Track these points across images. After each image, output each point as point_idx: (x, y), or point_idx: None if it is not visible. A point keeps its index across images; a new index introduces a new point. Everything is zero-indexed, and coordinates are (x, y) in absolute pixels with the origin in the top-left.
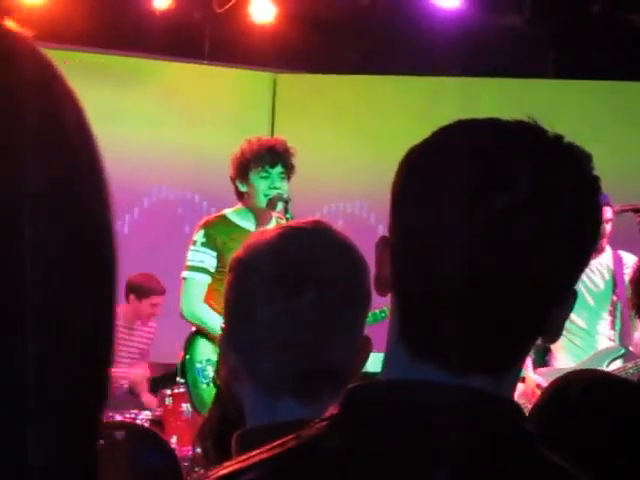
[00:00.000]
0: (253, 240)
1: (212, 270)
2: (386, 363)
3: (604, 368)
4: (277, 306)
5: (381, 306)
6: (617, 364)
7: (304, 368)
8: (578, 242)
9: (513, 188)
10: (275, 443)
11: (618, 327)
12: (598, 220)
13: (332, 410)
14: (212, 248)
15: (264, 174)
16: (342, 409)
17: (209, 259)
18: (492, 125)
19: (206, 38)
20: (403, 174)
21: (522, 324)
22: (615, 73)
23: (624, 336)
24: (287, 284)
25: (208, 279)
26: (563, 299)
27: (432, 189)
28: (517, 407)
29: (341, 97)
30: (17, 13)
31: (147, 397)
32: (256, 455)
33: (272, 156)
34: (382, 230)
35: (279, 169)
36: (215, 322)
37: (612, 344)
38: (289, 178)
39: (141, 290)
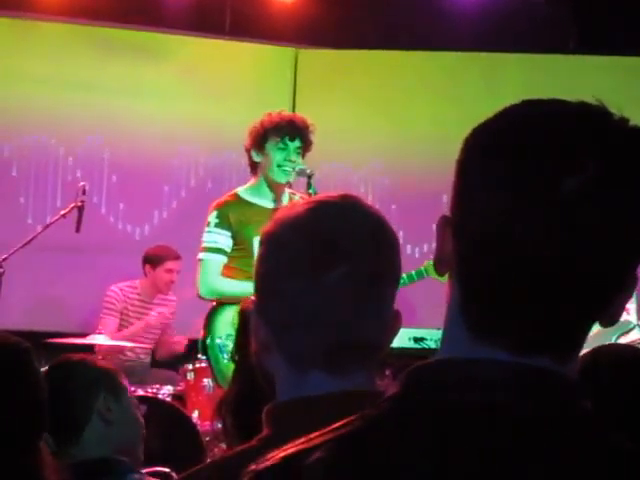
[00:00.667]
0: (283, 214)
1: (228, 250)
2: (445, 342)
3: (612, 342)
4: (307, 279)
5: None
6: (628, 338)
7: (334, 341)
8: None
9: (585, 170)
10: (338, 424)
11: (635, 301)
12: None
13: (392, 388)
14: (226, 228)
15: (282, 145)
16: (405, 389)
17: (223, 239)
18: (559, 107)
19: (227, 13)
20: (474, 154)
21: (588, 307)
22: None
23: (638, 310)
24: (317, 257)
25: (224, 259)
26: (627, 283)
27: (508, 172)
28: (582, 387)
29: (363, 73)
30: None
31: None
32: (319, 436)
33: (291, 129)
34: (402, 207)
35: (297, 143)
36: (236, 288)
37: (624, 317)
38: (304, 154)
39: (154, 259)
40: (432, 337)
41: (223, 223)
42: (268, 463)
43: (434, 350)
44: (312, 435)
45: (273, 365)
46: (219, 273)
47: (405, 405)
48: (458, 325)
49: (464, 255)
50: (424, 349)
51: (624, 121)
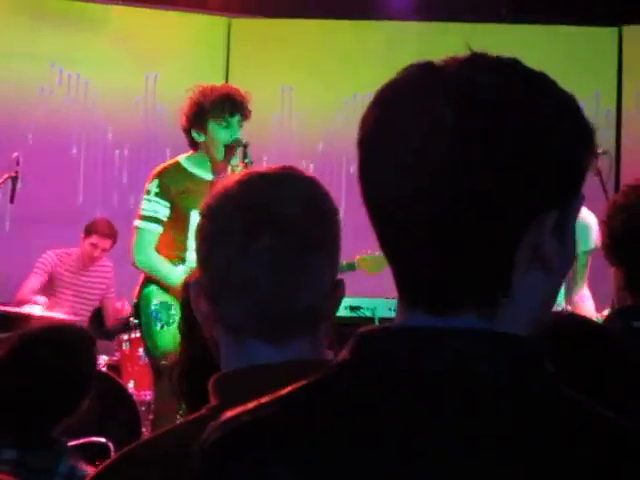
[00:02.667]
0: (219, 186)
1: (164, 220)
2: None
3: None
4: (236, 249)
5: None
6: None
7: (266, 311)
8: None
9: (470, 108)
10: (286, 390)
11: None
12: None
13: (341, 355)
14: (165, 199)
15: (224, 124)
16: (350, 355)
17: (162, 209)
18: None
19: None
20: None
21: (494, 249)
22: (568, 17)
23: (566, 294)
24: (246, 227)
25: (160, 229)
26: (537, 221)
27: (382, 134)
28: (509, 340)
29: (297, 42)
30: None
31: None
32: (269, 401)
33: (231, 105)
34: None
35: (237, 117)
36: (167, 270)
37: None
38: (242, 124)
39: (86, 229)
40: (368, 306)
41: (163, 193)
42: (207, 436)
43: (370, 318)
44: (250, 405)
45: (217, 336)
46: (154, 243)
47: (350, 370)
48: (399, 296)
49: (375, 227)
50: (360, 317)
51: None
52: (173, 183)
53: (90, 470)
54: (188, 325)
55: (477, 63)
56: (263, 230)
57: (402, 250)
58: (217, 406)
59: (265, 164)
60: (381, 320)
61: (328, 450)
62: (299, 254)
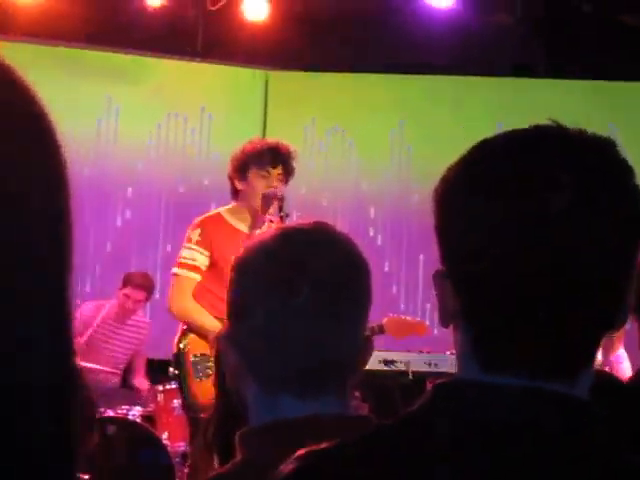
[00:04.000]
0: (253, 241)
1: (203, 269)
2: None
3: None
4: (274, 303)
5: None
6: None
7: (301, 366)
8: (634, 224)
9: (560, 188)
10: (350, 439)
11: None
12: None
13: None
14: (206, 247)
15: (264, 173)
16: (424, 404)
17: (202, 258)
18: (518, 135)
19: (199, 35)
20: (456, 195)
21: (594, 320)
22: (604, 73)
23: (603, 354)
24: (280, 284)
25: (198, 277)
26: (626, 286)
27: (493, 210)
28: (593, 407)
29: (333, 95)
30: (10, 10)
31: (139, 382)
32: (335, 444)
33: (274, 156)
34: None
35: (279, 170)
36: (203, 319)
37: None
38: (287, 181)
39: (123, 281)
40: (402, 359)
41: (204, 242)
42: (283, 469)
43: (403, 372)
44: (325, 445)
45: (245, 390)
46: (191, 291)
47: (431, 419)
48: (472, 365)
49: (470, 303)
50: (393, 371)
51: (582, 132)
52: (214, 232)
53: None
54: (223, 378)
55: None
56: (301, 285)
57: (496, 319)
58: (242, 461)
59: (296, 217)
60: (415, 374)
61: None
62: (335, 309)
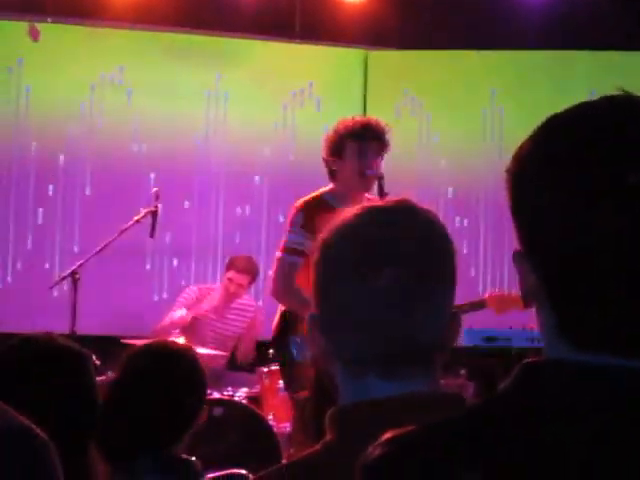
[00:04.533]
0: (335, 221)
1: (308, 252)
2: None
3: None
4: (353, 287)
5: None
6: None
7: (386, 348)
8: None
9: (636, 160)
10: (441, 419)
11: None
12: None
13: (504, 385)
14: (311, 231)
15: (359, 149)
16: (517, 384)
17: (306, 242)
18: (588, 110)
19: (297, 16)
20: (533, 168)
21: None
22: None
23: None
24: (362, 265)
25: (301, 261)
26: None
27: (572, 183)
28: None
29: (432, 73)
30: None
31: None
32: (422, 429)
33: (367, 132)
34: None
35: (374, 145)
36: (303, 302)
37: None
38: (383, 156)
39: (226, 264)
40: (503, 336)
41: (309, 225)
42: (371, 453)
43: (505, 349)
44: (412, 428)
45: (334, 371)
46: (295, 275)
47: (517, 401)
48: (561, 346)
49: (553, 281)
50: (495, 348)
51: None
52: (317, 215)
53: None
54: (317, 362)
55: None
56: (382, 265)
57: (580, 297)
58: (333, 441)
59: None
60: (518, 350)
61: (502, 464)
62: (417, 289)
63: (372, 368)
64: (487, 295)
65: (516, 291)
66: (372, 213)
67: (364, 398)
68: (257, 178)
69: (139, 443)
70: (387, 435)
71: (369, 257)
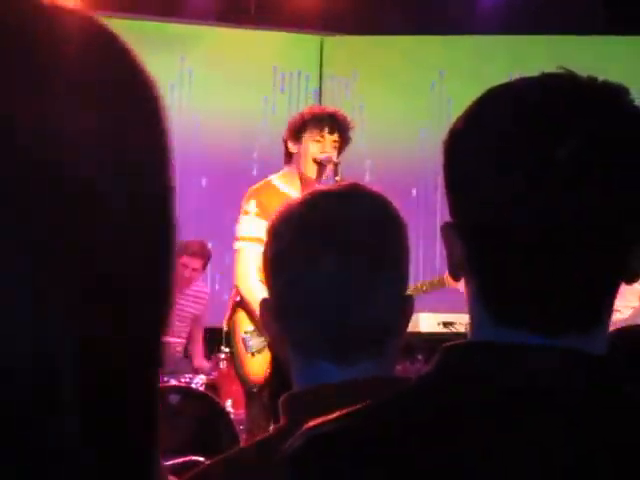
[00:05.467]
0: (284, 206)
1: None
2: (474, 334)
3: None
4: (304, 273)
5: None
6: None
7: (337, 334)
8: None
9: (567, 134)
10: (365, 404)
11: None
12: None
13: (426, 370)
14: (264, 219)
15: (319, 138)
16: (436, 370)
17: (262, 229)
18: (524, 86)
19: (252, 2)
20: (453, 157)
21: (605, 269)
22: None
23: None
24: (305, 250)
25: (261, 249)
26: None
27: (501, 155)
28: (614, 364)
29: (388, 58)
30: None
31: (199, 362)
32: (344, 414)
33: (331, 122)
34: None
35: (334, 137)
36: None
37: None
38: (341, 150)
39: (178, 250)
40: (461, 321)
41: (262, 212)
42: (291, 444)
43: (464, 334)
44: (335, 415)
45: (287, 355)
46: (258, 266)
47: (438, 384)
48: (484, 320)
49: (475, 251)
50: (453, 333)
51: (593, 79)
52: (269, 201)
53: None
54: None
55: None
56: (328, 250)
57: (502, 269)
58: (284, 426)
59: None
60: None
61: (411, 456)
62: (366, 272)
63: (324, 354)
64: (446, 273)
65: None
66: (322, 198)
67: (316, 383)
68: (221, 163)
69: None
70: (308, 424)
71: (319, 243)
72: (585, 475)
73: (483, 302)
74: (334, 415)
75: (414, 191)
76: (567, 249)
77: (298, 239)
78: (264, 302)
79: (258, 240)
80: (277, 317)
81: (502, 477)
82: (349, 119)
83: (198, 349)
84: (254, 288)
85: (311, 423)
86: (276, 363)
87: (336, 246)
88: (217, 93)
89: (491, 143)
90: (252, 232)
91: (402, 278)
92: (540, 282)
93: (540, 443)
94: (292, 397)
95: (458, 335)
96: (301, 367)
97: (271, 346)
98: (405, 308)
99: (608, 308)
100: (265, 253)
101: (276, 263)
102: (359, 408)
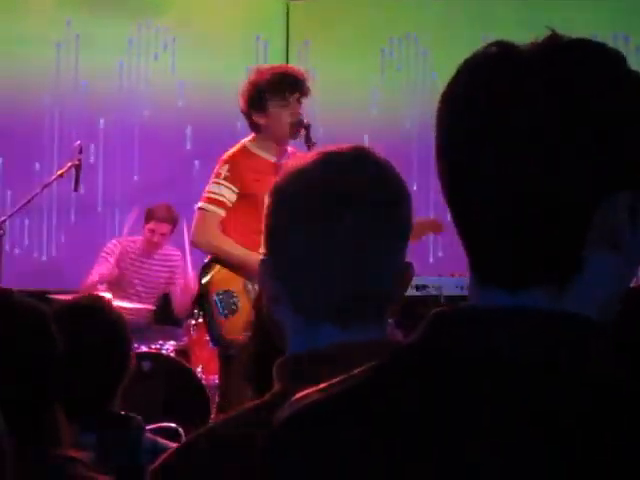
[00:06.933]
0: (290, 166)
1: (229, 205)
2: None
3: None
4: (313, 230)
5: None
6: None
7: (344, 292)
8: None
9: (525, 101)
10: (350, 374)
11: None
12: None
13: (414, 335)
14: (234, 183)
15: (283, 102)
16: (423, 335)
17: (229, 194)
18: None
19: None
20: (436, 123)
21: (562, 226)
22: None
23: None
24: (322, 208)
25: (223, 214)
26: (609, 200)
27: (453, 130)
28: (583, 322)
29: (354, 22)
30: None
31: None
32: (330, 386)
33: (289, 83)
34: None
35: (296, 95)
36: (236, 251)
37: None
38: (301, 102)
39: (145, 216)
40: (433, 284)
41: (233, 177)
42: (279, 416)
43: (436, 297)
44: (322, 385)
45: (283, 318)
46: (217, 226)
47: (425, 351)
48: (472, 275)
49: (451, 209)
50: (426, 296)
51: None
52: (244, 166)
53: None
54: (259, 308)
55: (555, 45)
56: (343, 212)
57: (474, 226)
58: (280, 391)
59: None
60: (447, 298)
61: (397, 426)
62: (377, 236)
63: (328, 317)
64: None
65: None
66: (330, 159)
67: (315, 345)
68: (188, 129)
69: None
70: (297, 396)
71: (331, 203)
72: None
73: (469, 260)
74: (320, 386)
75: None
76: (517, 205)
77: (305, 200)
78: (263, 261)
79: (221, 204)
80: (278, 277)
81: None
82: (302, 71)
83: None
84: (220, 242)
85: (299, 394)
86: (259, 325)
87: (352, 209)
88: (182, 58)
89: (455, 111)
90: (219, 195)
91: (405, 245)
92: (503, 239)
93: (486, 412)
94: (287, 361)
95: (431, 298)
96: (301, 329)
97: (254, 307)
98: (406, 274)
99: (588, 267)
100: (269, 212)
101: (281, 223)
102: (345, 378)
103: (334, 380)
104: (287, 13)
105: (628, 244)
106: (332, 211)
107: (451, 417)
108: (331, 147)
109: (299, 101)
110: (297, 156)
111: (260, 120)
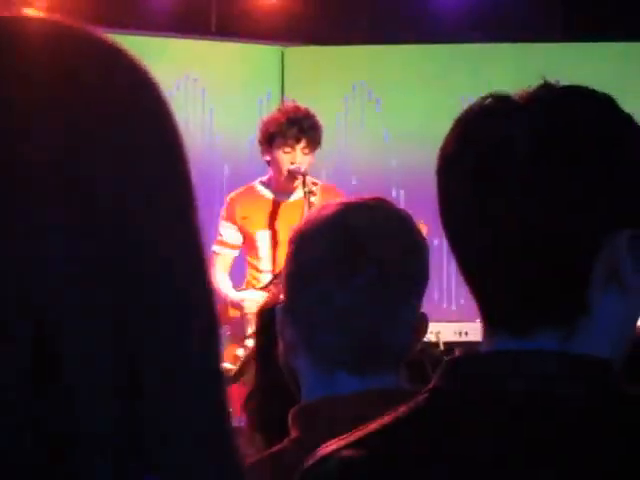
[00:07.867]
0: (314, 213)
1: (236, 243)
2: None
3: None
4: (337, 280)
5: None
6: None
7: (363, 343)
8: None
9: (517, 144)
10: (377, 421)
11: None
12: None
13: (433, 381)
14: (232, 221)
15: (287, 149)
16: (441, 381)
17: (230, 232)
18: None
19: (212, 14)
20: (438, 167)
21: (567, 268)
22: (630, 34)
23: None
24: (349, 258)
25: (231, 252)
26: (611, 239)
27: (452, 179)
28: (591, 363)
29: (351, 68)
30: None
31: None
32: (358, 432)
33: (296, 131)
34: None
35: (302, 144)
36: (228, 293)
37: None
38: (313, 152)
39: None
40: (432, 330)
41: (228, 216)
42: (310, 463)
43: (434, 343)
44: (347, 437)
45: (299, 365)
46: (224, 267)
47: (446, 396)
48: (484, 329)
49: (466, 267)
50: (424, 342)
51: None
52: (240, 206)
53: None
54: (264, 354)
55: (548, 96)
56: (365, 262)
57: (480, 273)
58: (300, 438)
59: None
60: (445, 344)
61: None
62: (397, 287)
63: (345, 366)
64: None
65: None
66: (352, 210)
67: (332, 393)
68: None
69: None
70: (349, 437)
71: (353, 254)
72: None
73: (479, 308)
74: (350, 438)
75: None
76: (528, 247)
77: (334, 250)
78: (282, 309)
79: (223, 243)
80: (298, 324)
81: None
82: (316, 120)
83: None
84: (218, 284)
85: (327, 447)
86: (264, 372)
87: (372, 261)
88: (179, 106)
89: (450, 161)
90: (219, 235)
91: (421, 297)
92: (509, 284)
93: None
94: (305, 408)
95: (429, 344)
96: (319, 379)
97: (257, 354)
98: (421, 325)
99: (595, 306)
100: (292, 259)
101: (304, 276)
102: (372, 429)
103: (358, 433)
104: (282, 59)
105: (633, 281)
106: (353, 262)
107: (478, 462)
108: (353, 198)
109: (305, 151)
110: (322, 205)
111: (267, 157)
